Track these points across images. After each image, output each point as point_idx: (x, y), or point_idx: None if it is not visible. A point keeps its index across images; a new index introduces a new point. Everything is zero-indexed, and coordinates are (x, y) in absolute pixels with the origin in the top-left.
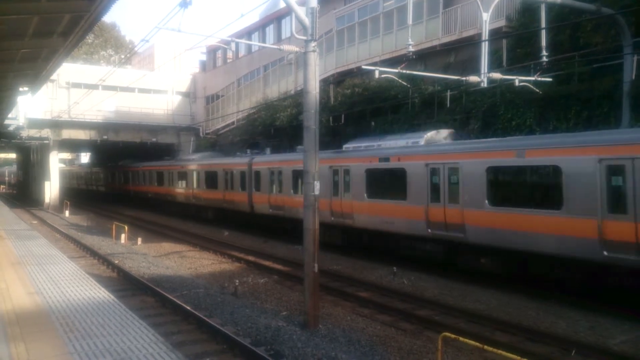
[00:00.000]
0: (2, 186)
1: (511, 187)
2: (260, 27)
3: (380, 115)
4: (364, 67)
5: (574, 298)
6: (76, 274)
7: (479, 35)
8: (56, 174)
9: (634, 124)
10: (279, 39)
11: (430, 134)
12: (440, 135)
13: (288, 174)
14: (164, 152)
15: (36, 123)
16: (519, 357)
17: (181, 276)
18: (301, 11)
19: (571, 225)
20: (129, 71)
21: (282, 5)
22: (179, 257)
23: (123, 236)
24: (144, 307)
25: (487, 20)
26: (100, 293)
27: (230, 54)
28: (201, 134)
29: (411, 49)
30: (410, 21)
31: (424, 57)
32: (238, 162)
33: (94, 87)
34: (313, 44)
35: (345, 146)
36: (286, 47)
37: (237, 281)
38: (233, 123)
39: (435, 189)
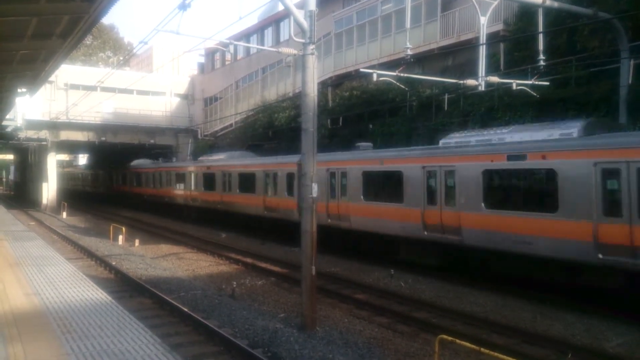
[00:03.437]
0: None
1: None
2: (259, 30)
3: (378, 118)
4: (362, 70)
5: (569, 301)
6: (73, 275)
7: (477, 38)
8: (54, 175)
9: (631, 128)
10: (277, 41)
11: (586, 123)
12: (596, 124)
13: (356, 176)
14: (164, 153)
15: (34, 124)
16: None
17: (179, 278)
18: (300, 14)
19: None
20: (127, 73)
21: (281, 8)
22: (176, 258)
23: (120, 238)
24: (141, 309)
25: (484, 24)
26: (97, 294)
27: (228, 57)
28: (199, 136)
29: (409, 52)
30: (408, 24)
31: (421, 60)
32: (284, 162)
33: (92, 88)
34: (311, 46)
35: (442, 142)
36: (284, 49)
37: (234, 283)
38: (231, 125)
39: (611, 198)
